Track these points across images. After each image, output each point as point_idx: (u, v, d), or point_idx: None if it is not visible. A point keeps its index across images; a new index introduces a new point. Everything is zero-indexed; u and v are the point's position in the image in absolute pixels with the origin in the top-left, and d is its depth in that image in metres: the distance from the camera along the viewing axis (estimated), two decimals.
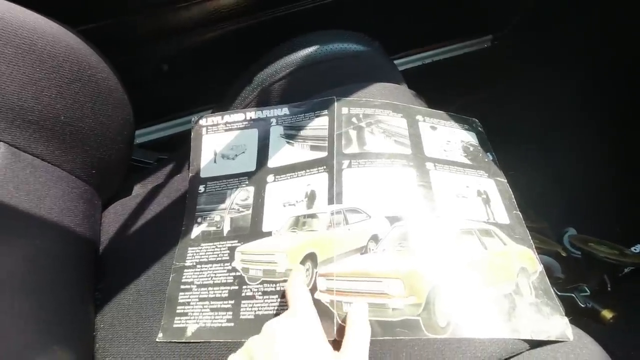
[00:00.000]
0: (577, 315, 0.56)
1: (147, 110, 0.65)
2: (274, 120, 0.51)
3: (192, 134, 0.52)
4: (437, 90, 0.76)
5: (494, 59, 0.88)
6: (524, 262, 0.40)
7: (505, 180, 0.48)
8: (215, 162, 0.50)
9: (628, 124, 0.73)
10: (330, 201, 0.43)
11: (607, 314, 0.55)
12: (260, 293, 0.40)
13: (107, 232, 0.49)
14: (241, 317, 0.39)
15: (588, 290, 0.56)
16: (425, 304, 0.35)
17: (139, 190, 0.56)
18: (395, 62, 0.82)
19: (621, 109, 0.74)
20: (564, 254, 0.60)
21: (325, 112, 0.49)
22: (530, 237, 0.43)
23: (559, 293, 0.55)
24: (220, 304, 0.40)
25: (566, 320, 0.36)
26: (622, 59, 0.72)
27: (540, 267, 0.40)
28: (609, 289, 0.59)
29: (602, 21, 0.73)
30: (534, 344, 0.35)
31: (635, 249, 0.62)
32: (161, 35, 0.62)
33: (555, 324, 0.36)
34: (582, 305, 0.55)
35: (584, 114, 0.79)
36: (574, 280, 0.59)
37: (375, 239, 0.40)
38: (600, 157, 0.77)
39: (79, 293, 0.43)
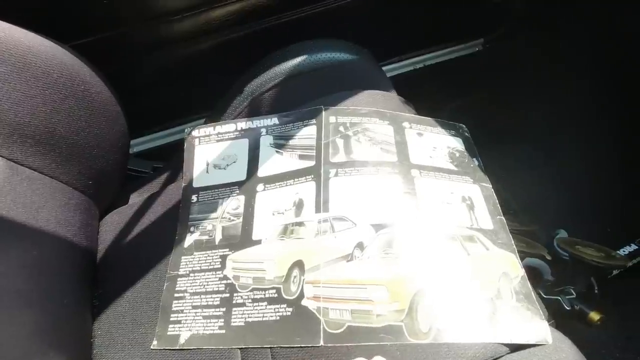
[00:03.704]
0: (565, 318, 0.57)
1: (141, 120, 0.67)
2: (263, 130, 0.52)
3: (185, 144, 0.53)
4: (429, 95, 0.77)
5: (485, 62, 0.89)
6: (506, 267, 0.41)
7: (490, 186, 0.49)
8: (207, 172, 0.51)
9: (621, 126, 0.74)
10: (318, 209, 0.44)
11: (595, 316, 0.56)
12: (250, 300, 0.41)
13: (104, 241, 0.51)
14: (232, 324, 0.40)
15: (574, 293, 0.57)
16: (408, 309, 0.37)
17: (135, 198, 0.57)
18: (387, 67, 0.84)
19: (614, 110, 0.75)
20: (548, 257, 0.61)
21: (313, 121, 0.51)
22: (513, 242, 0.44)
23: (545, 296, 0.56)
24: (212, 312, 0.41)
25: (546, 324, 0.37)
26: (613, 61, 0.72)
27: (522, 272, 0.41)
28: (596, 291, 0.60)
29: (593, 24, 0.74)
30: (514, 348, 0.36)
31: (623, 252, 0.63)
32: (154, 46, 0.63)
33: (535, 328, 0.37)
34: (568, 308, 0.56)
35: (577, 116, 0.80)
36: (562, 283, 0.60)
37: (360, 246, 0.41)
38: (592, 159, 0.77)
39: (76, 301, 0.44)
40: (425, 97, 0.67)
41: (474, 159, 0.52)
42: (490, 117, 0.82)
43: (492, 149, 0.54)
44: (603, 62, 0.74)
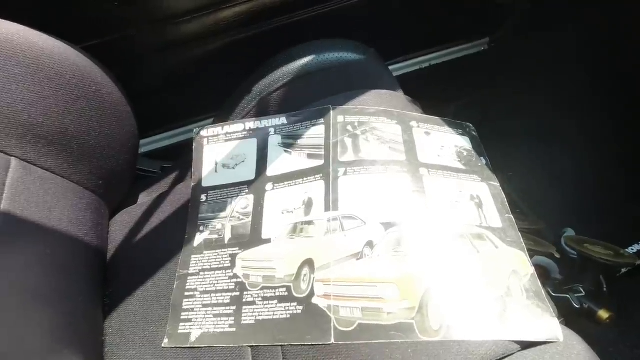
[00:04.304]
0: (574, 316, 0.56)
1: (151, 120, 0.67)
2: (272, 130, 0.52)
3: (194, 144, 0.54)
4: (435, 94, 0.77)
5: (491, 61, 0.89)
6: (516, 264, 0.41)
7: (499, 184, 0.49)
8: (216, 171, 0.51)
9: (627, 125, 0.73)
10: (327, 208, 0.44)
11: (604, 315, 0.56)
12: (260, 299, 0.41)
13: (115, 240, 0.51)
14: (242, 322, 0.40)
15: (582, 291, 0.57)
16: (418, 307, 0.37)
17: (145, 198, 0.58)
18: (393, 67, 0.84)
19: (619, 109, 0.75)
20: (557, 256, 0.61)
21: (322, 120, 0.51)
22: (522, 240, 0.44)
23: (554, 294, 0.56)
24: (223, 310, 0.42)
25: (557, 321, 0.37)
26: (618, 61, 0.72)
27: (531, 270, 0.41)
28: (604, 289, 0.60)
29: (597, 24, 0.74)
30: (525, 345, 0.36)
31: (631, 250, 0.63)
32: (163, 48, 0.64)
33: (546, 325, 0.37)
34: (577, 306, 0.56)
35: (582, 115, 0.80)
36: (571, 281, 0.60)
37: (370, 244, 0.41)
38: (599, 158, 0.77)
39: (88, 299, 0.44)
40: (431, 96, 0.67)
41: (482, 157, 0.52)
42: (495, 116, 0.82)
43: (497, 147, 0.54)
44: (606, 61, 0.74)
